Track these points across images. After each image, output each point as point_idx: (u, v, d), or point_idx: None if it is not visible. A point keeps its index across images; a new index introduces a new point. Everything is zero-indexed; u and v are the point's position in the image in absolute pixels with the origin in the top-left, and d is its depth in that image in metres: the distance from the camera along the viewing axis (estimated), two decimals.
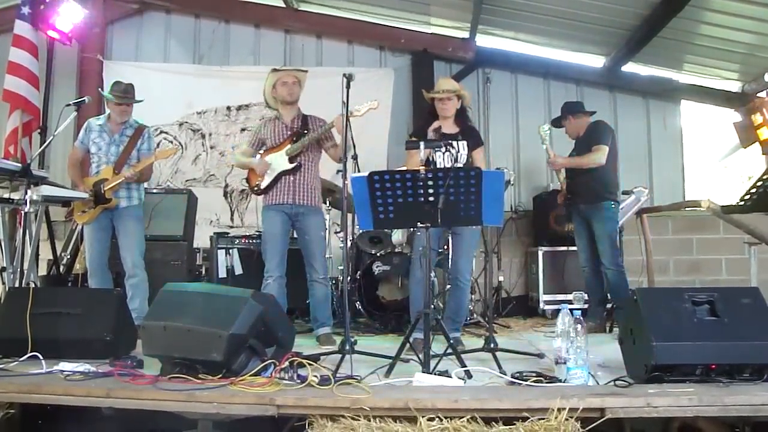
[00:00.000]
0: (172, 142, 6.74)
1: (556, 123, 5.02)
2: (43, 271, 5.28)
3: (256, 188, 4.42)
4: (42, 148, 5.12)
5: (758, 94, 6.51)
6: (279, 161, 4.31)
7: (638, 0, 5.54)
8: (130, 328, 3.65)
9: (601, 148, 4.59)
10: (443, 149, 3.88)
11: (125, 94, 4.50)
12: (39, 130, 5.93)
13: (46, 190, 4.20)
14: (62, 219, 5.98)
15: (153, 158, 4.51)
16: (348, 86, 3.60)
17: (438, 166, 4.04)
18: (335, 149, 4.29)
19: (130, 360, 3.15)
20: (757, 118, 5.78)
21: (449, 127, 4.17)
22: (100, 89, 4.90)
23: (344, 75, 3.64)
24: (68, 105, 4.58)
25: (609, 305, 4.84)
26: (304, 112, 4.45)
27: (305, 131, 4.31)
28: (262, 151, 4.42)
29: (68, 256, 5.43)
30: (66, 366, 2.94)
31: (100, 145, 4.52)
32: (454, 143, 4.05)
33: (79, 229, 5.34)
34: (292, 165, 4.28)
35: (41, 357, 3.06)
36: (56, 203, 4.66)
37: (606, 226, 4.63)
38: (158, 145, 5.88)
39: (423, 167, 3.17)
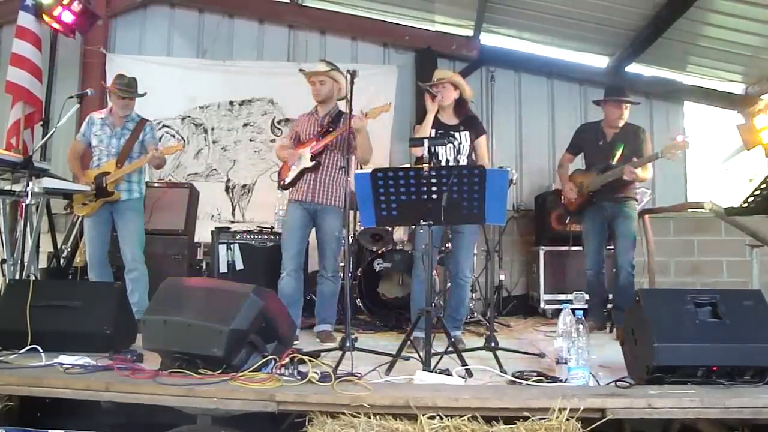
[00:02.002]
0: (174, 137, 6.74)
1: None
2: (43, 263, 5.26)
3: (282, 182, 4.43)
4: (44, 140, 5.12)
5: (762, 97, 6.49)
6: (304, 157, 4.31)
7: (643, 0, 5.52)
8: (131, 321, 3.64)
9: None
10: (446, 143, 3.87)
11: (128, 87, 4.51)
12: (41, 123, 5.91)
13: (48, 183, 4.20)
14: (63, 211, 5.97)
15: (161, 151, 4.47)
16: (352, 83, 3.60)
17: (440, 158, 4.03)
18: (357, 151, 4.18)
19: (129, 354, 3.16)
20: (761, 121, 5.76)
21: (449, 118, 4.15)
22: (103, 82, 4.89)
23: (348, 71, 3.64)
24: (71, 97, 4.60)
25: (609, 306, 4.84)
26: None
27: (331, 129, 4.28)
28: (295, 145, 4.42)
29: (69, 249, 5.43)
30: (65, 359, 2.94)
31: (101, 138, 4.52)
32: (456, 134, 4.04)
33: (79, 221, 5.34)
34: (312, 163, 4.26)
35: (41, 350, 3.06)
36: (57, 195, 4.65)
37: (629, 224, 4.66)
38: (160, 139, 5.88)
39: (426, 165, 3.15)
